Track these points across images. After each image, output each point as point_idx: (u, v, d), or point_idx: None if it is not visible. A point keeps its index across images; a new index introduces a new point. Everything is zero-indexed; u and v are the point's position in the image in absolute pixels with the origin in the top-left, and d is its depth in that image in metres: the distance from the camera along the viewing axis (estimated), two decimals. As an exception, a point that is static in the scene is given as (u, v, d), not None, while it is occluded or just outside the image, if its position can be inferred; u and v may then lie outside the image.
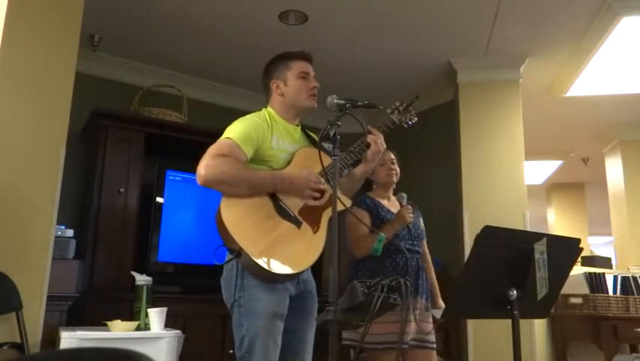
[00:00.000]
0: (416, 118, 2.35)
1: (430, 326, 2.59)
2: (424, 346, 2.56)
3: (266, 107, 2.16)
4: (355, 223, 2.55)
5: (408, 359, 2.56)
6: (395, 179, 2.75)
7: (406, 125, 2.32)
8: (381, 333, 2.33)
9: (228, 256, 1.94)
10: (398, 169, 2.77)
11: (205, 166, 1.86)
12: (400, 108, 2.30)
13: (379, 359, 2.46)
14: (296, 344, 2.00)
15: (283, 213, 1.93)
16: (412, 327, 2.51)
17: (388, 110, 2.28)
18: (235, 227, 1.84)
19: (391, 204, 2.72)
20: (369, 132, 2.13)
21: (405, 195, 2.68)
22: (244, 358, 1.86)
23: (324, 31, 3.76)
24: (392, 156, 2.77)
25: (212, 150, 1.91)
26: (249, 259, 1.82)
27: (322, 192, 1.99)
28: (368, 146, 2.12)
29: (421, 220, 2.83)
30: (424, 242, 2.82)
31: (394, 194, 2.79)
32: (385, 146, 2.16)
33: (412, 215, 2.59)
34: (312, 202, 1.99)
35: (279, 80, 2.13)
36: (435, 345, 2.61)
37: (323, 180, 1.99)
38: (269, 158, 2.00)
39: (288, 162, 2.02)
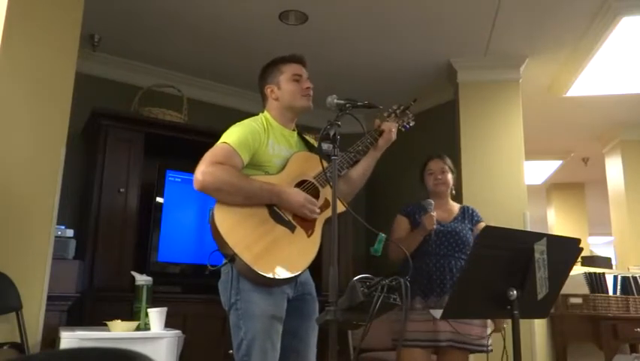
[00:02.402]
0: (414, 122, 2.38)
1: (472, 329, 2.59)
2: (461, 347, 2.59)
3: (262, 112, 2.16)
4: (394, 227, 2.83)
5: (443, 358, 2.66)
6: (443, 188, 2.85)
7: (403, 129, 2.34)
8: (411, 331, 2.46)
9: (223, 261, 1.94)
10: (449, 177, 2.86)
11: (203, 172, 1.87)
12: (397, 112, 2.31)
13: (408, 356, 2.55)
14: (298, 346, 2.00)
15: (277, 217, 1.94)
16: (443, 326, 2.55)
17: (385, 114, 2.30)
18: (229, 232, 1.85)
19: (448, 209, 2.82)
20: (380, 125, 2.21)
21: (432, 201, 2.74)
22: None
23: (324, 31, 3.75)
24: (442, 165, 2.86)
25: (209, 155, 1.92)
26: (242, 264, 1.83)
27: (314, 212, 1.99)
28: (381, 133, 2.18)
29: (479, 227, 2.84)
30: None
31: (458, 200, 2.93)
32: (395, 137, 2.22)
33: (433, 222, 2.65)
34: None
35: (272, 84, 2.14)
36: (476, 347, 2.62)
37: (318, 210, 1.99)
38: (265, 163, 2.01)
39: (284, 167, 2.03)
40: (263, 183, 1.94)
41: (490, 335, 2.67)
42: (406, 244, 2.64)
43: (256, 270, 1.82)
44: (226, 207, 1.89)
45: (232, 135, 1.97)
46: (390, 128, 2.19)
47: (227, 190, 1.88)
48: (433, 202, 2.73)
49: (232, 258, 1.86)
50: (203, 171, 1.88)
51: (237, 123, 2.05)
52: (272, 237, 1.90)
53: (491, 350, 2.67)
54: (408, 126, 2.36)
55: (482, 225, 2.88)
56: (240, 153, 1.94)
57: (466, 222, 2.84)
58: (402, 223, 2.83)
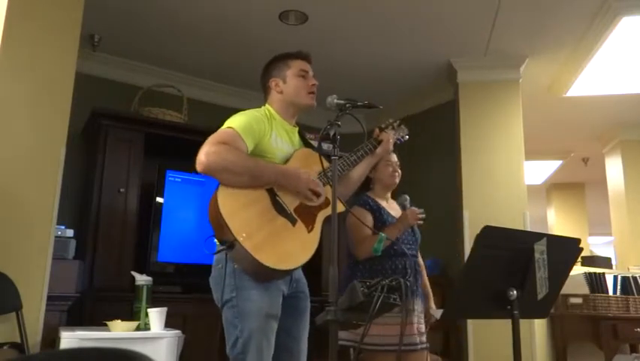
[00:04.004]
0: (407, 136, 2.44)
1: (423, 327, 2.61)
2: (424, 348, 2.57)
3: (264, 105, 2.16)
4: (358, 224, 2.51)
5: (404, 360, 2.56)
6: (397, 181, 2.78)
7: (398, 142, 2.41)
8: (380, 335, 2.33)
9: (219, 247, 1.91)
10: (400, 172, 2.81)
11: (207, 153, 1.82)
12: (394, 125, 2.38)
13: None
14: (290, 343, 1.99)
15: (279, 208, 1.92)
16: (415, 329, 2.52)
17: (383, 125, 2.36)
18: (231, 218, 1.81)
19: (390, 206, 2.72)
20: (381, 130, 2.30)
21: (408, 197, 2.68)
22: (238, 359, 1.85)
23: (324, 31, 3.75)
24: (397, 159, 2.80)
25: (213, 137, 1.89)
26: (242, 250, 1.80)
27: (318, 195, 2.00)
28: (380, 142, 2.26)
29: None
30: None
31: (394, 197, 2.80)
32: (392, 148, 2.30)
33: (420, 217, 2.58)
34: (308, 202, 1.99)
35: (278, 78, 2.12)
36: (427, 345, 2.61)
37: (321, 184, 1.99)
38: (267, 154, 1.99)
39: (286, 161, 2.02)
40: (268, 162, 1.94)
41: (427, 330, 2.65)
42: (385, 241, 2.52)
43: (257, 258, 1.80)
44: (229, 191, 1.85)
45: (236, 121, 1.95)
46: (389, 139, 2.28)
47: (232, 170, 1.84)
48: (407, 197, 2.68)
49: (231, 244, 1.82)
50: (207, 151, 1.83)
51: (241, 112, 2.02)
52: (273, 227, 1.88)
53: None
54: (402, 140, 2.43)
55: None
56: (245, 138, 1.90)
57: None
58: (368, 219, 2.59)
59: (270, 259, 1.82)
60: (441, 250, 4.19)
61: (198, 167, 1.84)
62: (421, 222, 2.60)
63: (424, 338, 2.59)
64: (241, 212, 1.85)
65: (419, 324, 2.58)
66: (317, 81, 2.15)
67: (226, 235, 1.83)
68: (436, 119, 4.55)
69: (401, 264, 2.57)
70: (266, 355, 1.85)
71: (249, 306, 1.85)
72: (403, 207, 2.64)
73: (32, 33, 2.68)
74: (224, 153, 1.84)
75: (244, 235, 1.81)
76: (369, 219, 2.60)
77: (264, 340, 1.85)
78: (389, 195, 2.78)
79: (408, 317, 2.44)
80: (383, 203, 2.71)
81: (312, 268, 2.08)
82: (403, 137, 2.41)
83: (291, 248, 1.90)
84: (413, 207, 2.62)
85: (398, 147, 2.44)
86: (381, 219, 2.62)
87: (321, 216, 2.01)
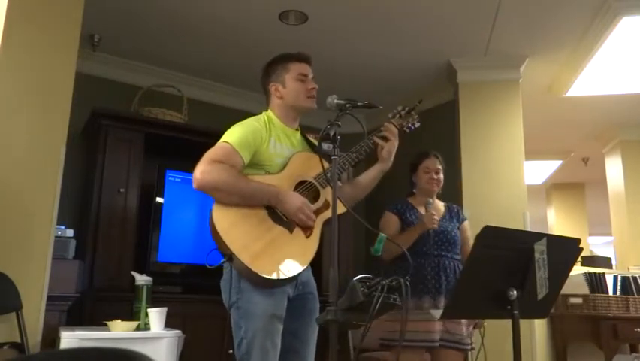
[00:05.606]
0: (419, 123, 2.31)
1: (462, 328, 2.63)
2: (454, 347, 2.63)
3: (266, 110, 2.16)
4: (384, 225, 2.76)
5: (438, 358, 2.65)
6: (436, 188, 2.83)
7: (407, 130, 2.28)
8: (411, 331, 2.44)
9: (221, 261, 1.94)
10: (442, 178, 2.84)
11: (202, 171, 1.87)
12: (402, 113, 2.27)
13: (402, 357, 2.52)
14: (298, 345, 1.99)
15: (275, 217, 1.93)
16: (437, 326, 2.57)
17: (390, 115, 2.26)
18: (227, 231, 1.85)
19: (435, 210, 2.75)
20: (386, 129, 2.16)
21: (431, 200, 2.74)
22: (243, 360, 1.86)
23: (324, 31, 3.75)
24: (438, 165, 2.84)
25: (209, 154, 1.92)
26: (240, 263, 1.83)
27: (310, 218, 1.96)
28: (384, 139, 2.12)
29: (465, 225, 2.89)
30: (464, 248, 2.85)
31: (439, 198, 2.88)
32: (397, 145, 2.17)
33: (435, 221, 2.64)
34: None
35: (277, 82, 2.12)
36: (468, 346, 2.67)
37: (314, 217, 1.96)
38: (266, 162, 2.00)
39: (284, 166, 2.02)
40: (261, 184, 1.93)
41: (472, 332, 2.71)
42: (401, 243, 2.60)
43: (254, 270, 1.82)
44: (224, 207, 1.89)
45: (233, 135, 1.97)
46: (391, 137, 2.14)
47: (224, 190, 1.88)
48: (432, 200, 2.73)
49: (230, 257, 1.86)
50: (202, 170, 1.88)
51: (239, 123, 2.04)
52: (270, 237, 1.90)
53: (473, 348, 2.71)
54: (413, 127, 2.29)
55: (467, 223, 2.91)
56: (241, 152, 1.93)
57: (454, 220, 2.85)
58: (392, 221, 2.79)
59: (266, 269, 1.84)
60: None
61: (194, 184, 1.89)
62: (435, 225, 2.64)
63: (463, 340, 2.63)
64: (237, 225, 1.87)
65: (455, 323, 2.62)
66: (317, 84, 2.13)
67: (224, 249, 1.86)
68: (436, 119, 4.53)
69: (427, 263, 2.66)
70: (271, 356, 1.85)
71: (253, 307, 1.86)
72: (426, 210, 2.69)
73: (32, 33, 2.68)
74: (217, 172, 1.87)
75: (240, 248, 1.83)
76: (393, 220, 2.78)
77: (268, 341, 1.85)
78: (434, 197, 2.84)
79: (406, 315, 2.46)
80: (422, 208, 2.78)
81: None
82: (413, 124, 2.27)
83: (288, 256, 1.91)
84: (431, 210, 2.67)
85: (405, 138, 2.31)
86: (406, 221, 2.76)
87: (320, 220, 2.00)
